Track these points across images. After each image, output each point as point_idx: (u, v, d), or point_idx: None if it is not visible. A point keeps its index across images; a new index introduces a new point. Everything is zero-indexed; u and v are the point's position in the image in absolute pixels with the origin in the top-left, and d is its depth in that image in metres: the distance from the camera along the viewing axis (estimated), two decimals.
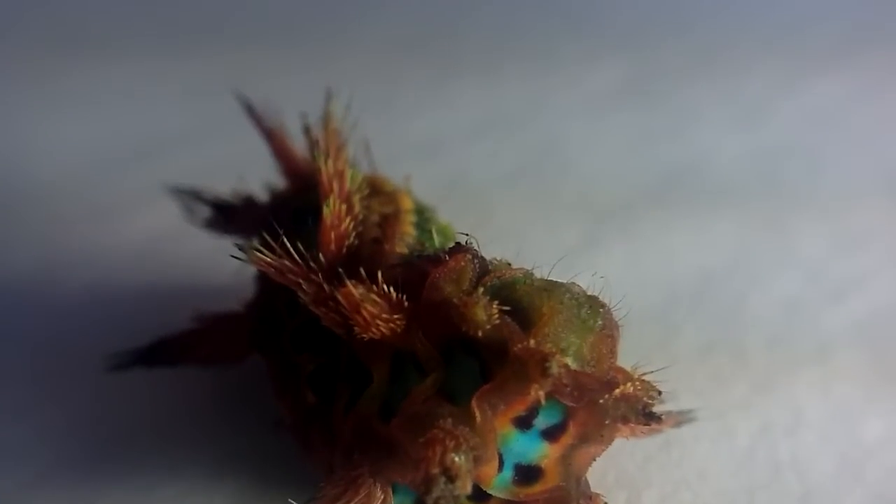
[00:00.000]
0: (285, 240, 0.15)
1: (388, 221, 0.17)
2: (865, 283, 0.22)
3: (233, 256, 0.15)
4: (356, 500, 0.13)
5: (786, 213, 0.25)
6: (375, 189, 0.17)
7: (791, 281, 0.22)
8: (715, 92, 0.30)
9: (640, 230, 0.24)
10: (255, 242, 0.15)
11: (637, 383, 0.13)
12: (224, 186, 0.20)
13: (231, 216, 0.20)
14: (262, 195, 0.20)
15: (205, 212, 0.20)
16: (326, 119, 0.16)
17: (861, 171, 0.26)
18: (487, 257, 0.14)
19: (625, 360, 0.14)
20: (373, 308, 0.13)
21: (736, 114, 0.29)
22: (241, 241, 0.16)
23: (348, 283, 0.13)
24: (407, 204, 0.17)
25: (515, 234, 0.24)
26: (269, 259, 0.15)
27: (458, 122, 0.29)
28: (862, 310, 0.21)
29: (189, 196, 0.20)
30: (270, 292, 0.17)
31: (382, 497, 0.14)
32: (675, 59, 0.32)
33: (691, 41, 0.33)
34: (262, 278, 0.18)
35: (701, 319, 0.21)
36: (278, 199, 0.19)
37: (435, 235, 0.17)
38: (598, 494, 0.14)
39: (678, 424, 0.17)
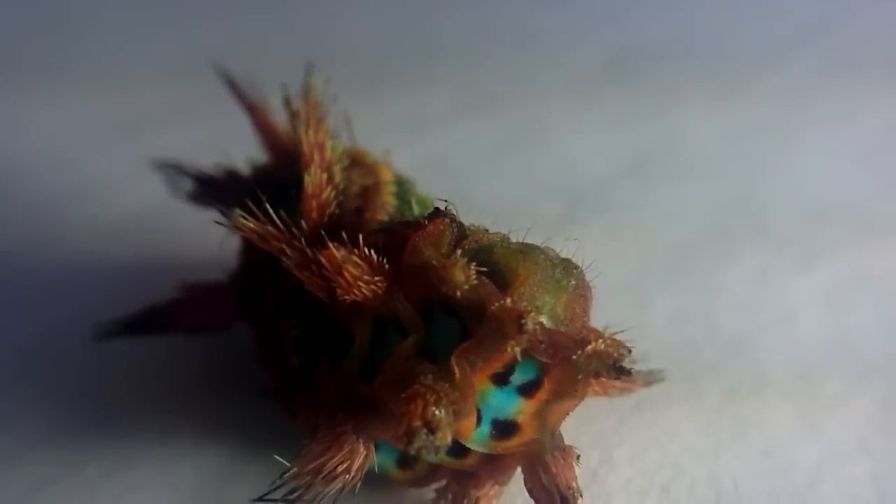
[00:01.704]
0: (268, 207, 0.15)
1: (369, 192, 0.17)
2: (830, 254, 0.23)
3: (217, 223, 0.15)
4: (340, 455, 0.14)
5: (757, 187, 0.25)
6: (356, 161, 0.18)
7: (760, 251, 0.23)
8: (692, 71, 0.31)
9: (617, 205, 0.25)
10: (239, 211, 0.15)
11: (608, 340, 0.14)
12: (208, 162, 0.20)
13: (214, 189, 0.20)
14: (245, 170, 0.20)
15: (188, 186, 0.20)
16: (307, 90, 0.17)
17: (830, 147, 0.27)
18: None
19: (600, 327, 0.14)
20: (354, 270, 0.14)
21: (712, 92, 0.30)
22: (225, 211, 0.16)
23: (330, 245, 0.14)
24: (387, 175, 0.18)
25: (495, 211, 0.24)
26: (252, 225, 0.15)
27: (440, 102, 0.29)
28: (826, 279, 0.22)
29: (173, 170, 0.20)
30: (254, 262, 0.17)
31: (365, 453, 0.14)
32: (654, 39, 0.33)
33: (669, 22, 0.34)
34: (246, 250, 0.18)
35: (674, 290, 0.22)
36: (261, 172, 0.20)
37: (415, 205, 0.17)
38: (570, 446, 0.14)
39: (649, 384, 0.17)
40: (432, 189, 0.19)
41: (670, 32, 0.33)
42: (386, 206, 0.17)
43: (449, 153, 0.27)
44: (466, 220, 0.15)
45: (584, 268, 0.14)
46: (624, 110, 0.29)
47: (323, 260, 0.14)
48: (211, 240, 0.18)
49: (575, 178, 0.26)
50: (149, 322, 0.18)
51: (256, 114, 0.20)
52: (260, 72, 0.20)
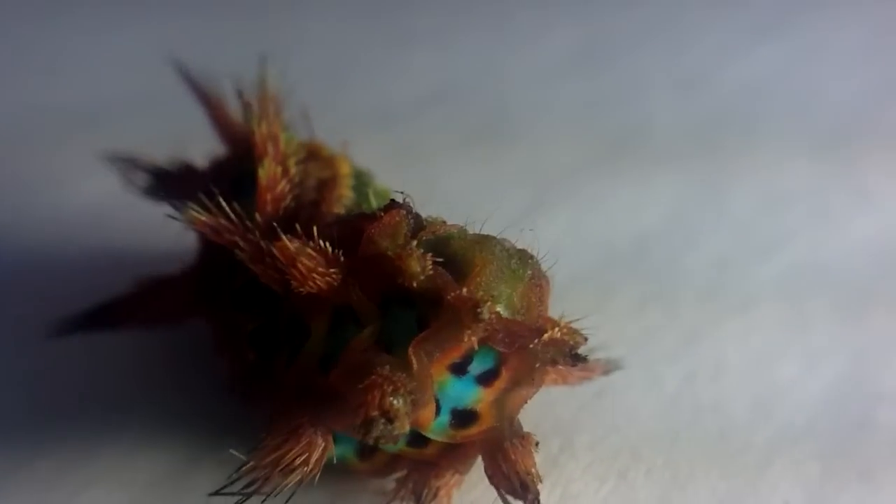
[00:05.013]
0: (221, 200, 0.15)
1: (326, 185, 0.17)
2: (788, 242, 0.23)
3: (169, 216, 0.15)
4: (298, 448, 0.14)
5: (720, 176, 0.26)
6: (312, 154, 0.18)
7: (722, 240, 0.23)
8: (659, 61, 0.31)
9: (583, 195, 0.25)
10: (192, 204, 0.15)
11: (564, 329, 0.14)
12: (164, 156, 0.20)
13: (169, 183, 0.20)
14: (202, 164, 0.20)
15: (143, 180, 0.20)
16: (260, 82, 0.16)
17: (790, 136, 0.27)
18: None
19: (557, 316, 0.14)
20: (308, 262, 0.14)
21: (678, 81, 0.30)
22: (178, 205, 0.16)
23: (283, 237, 0.14)
24: (345, 169, 0.18)
25: (463, 200, 0.24)
26: (205, 219, 0.15)
27: (409, 91, 0.29)
28: (784, 266, 0.22)
29: (127, 164, 0.20)
30: (211, 256, 0.17)
31: (324, 445, 0.14)
32: (623, 28, 0.33)
33: (638, 11, 0.34)
34: (204, 243, 0.18)
35: (637, 278, 0.22)
36: (218, 166, 0.19)
37: (372, 198, 0.17)
38: (529, 434, 0.15)
39: (607, 372, 0.18)
40: (399, 179, 0.18)
41: (636, 23, 0.34)
42: (343, 200, 0.17)
43: (418, 143, 0.27)
44: (433, 210, 0.15)
45: (540, 258, 0.14)
46: (593, 99, 0.29)
47: (276, 251, 0.14)
48: (168, 234, 0.18)
49: (543, 166, 0.26)
50: (102, 318, 0.18)
51: (212, 106, 0.20)
52: (219, 65, 0.19)
